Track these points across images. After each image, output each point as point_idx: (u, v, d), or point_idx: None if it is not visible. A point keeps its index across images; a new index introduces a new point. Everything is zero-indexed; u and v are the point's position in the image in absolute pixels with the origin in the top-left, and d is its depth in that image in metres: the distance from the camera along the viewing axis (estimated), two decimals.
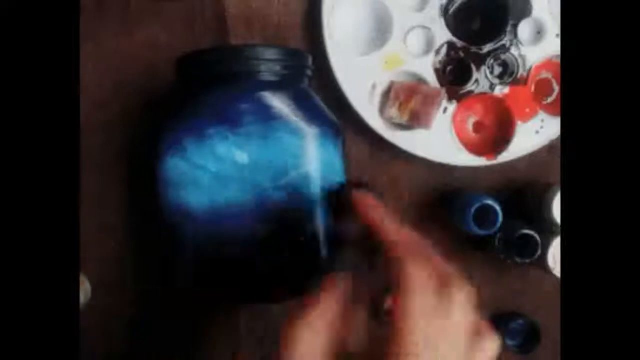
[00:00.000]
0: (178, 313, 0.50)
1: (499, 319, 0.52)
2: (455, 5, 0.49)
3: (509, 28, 0.48)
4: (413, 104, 0.47)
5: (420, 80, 0.48)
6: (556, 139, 0.50)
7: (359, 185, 0.40)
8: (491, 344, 0.31)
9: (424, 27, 0.48)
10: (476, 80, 0.49)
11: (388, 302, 0.33)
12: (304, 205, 0.39)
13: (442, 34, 0.48)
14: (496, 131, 0.50)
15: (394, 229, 0.33)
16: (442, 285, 0.30)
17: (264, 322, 0.51)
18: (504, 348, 0.51)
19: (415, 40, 0.48)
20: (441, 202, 0.51)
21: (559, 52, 0.49)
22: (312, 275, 0.40)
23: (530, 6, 0.48)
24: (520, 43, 0.48)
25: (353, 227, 0.36)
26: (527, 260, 0.46)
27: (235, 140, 0.37)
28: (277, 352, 0.30)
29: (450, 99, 0.48)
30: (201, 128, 0.38)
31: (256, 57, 0.39)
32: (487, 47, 0.48)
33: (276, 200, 0.38)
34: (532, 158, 0.50)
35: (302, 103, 0.40)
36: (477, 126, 0.50)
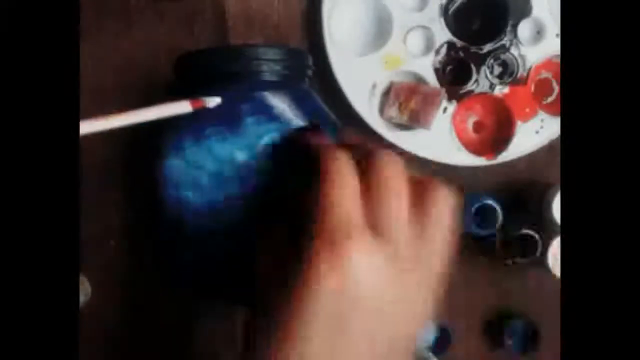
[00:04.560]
0: (177, 313, 0.50)
1: (499, 319, 0.52)
2: (455, 5, 0.49)
3: (509, 28, 0.48)
4: (413, 104, 0.47)
5: (420, 80, 0.48)
6: (556, 139, 0.50)
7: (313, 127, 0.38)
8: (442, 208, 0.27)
9: (424, 27, 0.48)
10: (476, 80, 0.49)
11: None
12: None
13: (442, 34, 0.48)
14: (496, 131, 0.50)
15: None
16: (373, 171, 0.27)
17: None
18: (504, 348, 0.51)
19: (415, 40, 0.48)
20: None
21: (559, 52, 0.49)
22: None
23: (530, 6, 0.48)
24: (520, 43, 0.48)
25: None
26: (527, 260, 0.46)
27: (235, 140, 0.37)
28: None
29: (450, 99, 0.48)
30: (200, 128, 0.38)
31: (256, 57, 0.39)
32: (487, 47, 0.48)
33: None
34: (532, 158, 0.50)
35: (303, 103, 0.40)
36: (477, 126, 0.50)
